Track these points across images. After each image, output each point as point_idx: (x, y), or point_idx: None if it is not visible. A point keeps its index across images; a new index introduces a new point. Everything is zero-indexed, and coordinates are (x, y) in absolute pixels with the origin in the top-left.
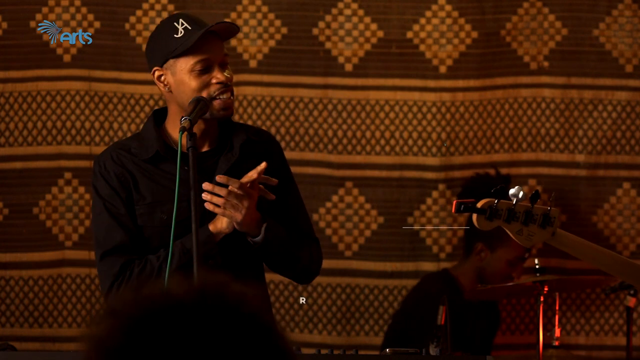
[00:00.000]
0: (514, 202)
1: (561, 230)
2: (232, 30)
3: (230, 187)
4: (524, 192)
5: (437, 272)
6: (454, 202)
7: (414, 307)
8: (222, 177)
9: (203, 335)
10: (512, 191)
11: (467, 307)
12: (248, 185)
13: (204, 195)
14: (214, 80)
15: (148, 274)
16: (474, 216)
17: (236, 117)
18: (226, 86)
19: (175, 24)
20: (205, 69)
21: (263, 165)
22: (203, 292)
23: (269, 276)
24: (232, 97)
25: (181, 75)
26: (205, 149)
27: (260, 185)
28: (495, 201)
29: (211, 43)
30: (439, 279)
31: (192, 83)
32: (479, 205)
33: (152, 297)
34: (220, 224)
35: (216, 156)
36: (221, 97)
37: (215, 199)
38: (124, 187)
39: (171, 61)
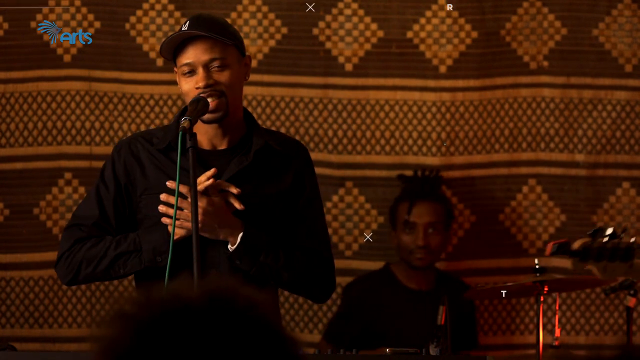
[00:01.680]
0: (605, 241)
1: (637, 261)
2: (218, 35)
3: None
4: (614, 230)
5: (379, 269)
6: (550, 245)
7: (351, 301)
8: (171, 182)
9: (212, 340)
10: (606, 230)
11: (406, 301)
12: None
13: (160, 208)
14: (195, 85)
15: (95, 253)
16: (568, 261)
17: None
18: (210, 90)
19: (183, 25)
20: (190, 72)
21: (211, 171)
22: (213, 296)
23: None
24: (218, 100)
25: (179, 79)
26: (222, 147)
27: (231, 199)
28: (590, 241)
29: (194, 45)
30: (378, 276)
31: (183, 86)
32: (574, 247)
33: (162, 300)
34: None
35: (232, 156)
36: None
37: (171, 211)
38: (129, 176)
39: (176, 62)
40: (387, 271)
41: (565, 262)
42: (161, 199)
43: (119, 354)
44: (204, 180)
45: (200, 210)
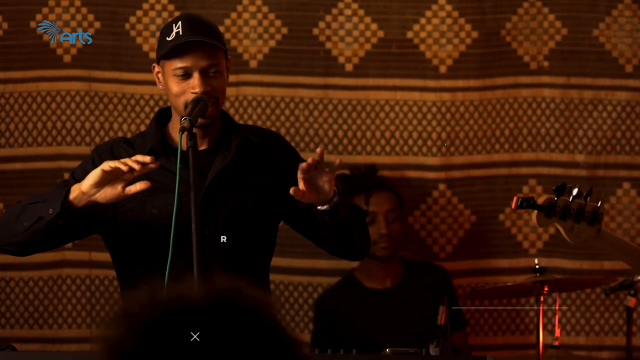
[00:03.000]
0: (570, 199)
1: (605, 229)
2: (217, 42)
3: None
4: (579, 189)
5: (344, 277)
6: (515, 198)
7: (321, 315)
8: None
9: (216, 340)
10: (570, 188)
11: (369, 303)
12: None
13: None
14: (190, 90)
15: (14, 208)
16: (534, 213)
17: (236, 118)
18: (207, 97)
19: (174, 25)
20: (185, 75)
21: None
22: (217, 296)
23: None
24: (213, 107)
25: (167, 78)
26: (203, 147)
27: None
28: (555, 198)
29: (194, 51)
30: (344, 284)
31: (173, 87)
32: (539, 201)
33: (167, 300)
34: (81, 185)
35: (213, 155)
36: None
37: (127, 175)
38: None
39: (162, 61)
40: (351, 278)
41: (564, 263)
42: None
43: (122, 354)
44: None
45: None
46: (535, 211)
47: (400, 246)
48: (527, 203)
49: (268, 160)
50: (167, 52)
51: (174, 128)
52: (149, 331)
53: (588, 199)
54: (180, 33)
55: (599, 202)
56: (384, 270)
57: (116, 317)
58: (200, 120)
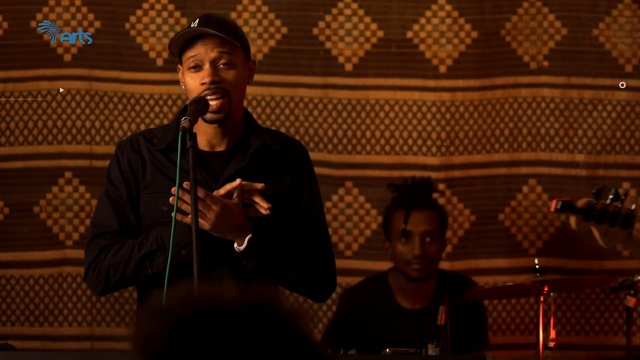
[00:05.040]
0: (608, 203)
1: (636, 233)
2: (228, 35)
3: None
4: (618, 193)
5: (379, 275)
6: (554, 201)
7: (345, 309)
8: (187, 183)
9: (248, 346)
10: (609, 191)
11: (394, 318)
12: (231, 195)
13: (171, 200)
14: (201, 81)
15: (121, 258)
16: (572, 217)
17: None
18: (215, 87)
19: (193, 22)
20: (197, 67)
21: (236, 182)
22: (254, 303)
23: None
24: (222, 99)
25: (185, 74)
26: (221, 148)
27: (256, 199)
28: (594, 201)
29: (204, 40)
30: (375, 285)
31: (189, 83)
32: (579, 204)
33: (204, 300)
34: None
35: (230, 158)
36: (208, 98)
37: (184, 206)
38: (134, 173)
39: (182, 57)
40: (384, 281)
41: (564, 263)
42: (184, 187)
43: (155, 349)
44: (227, 187)
45: (213, 213)
46: (574, 215)
47: (434, 267)
48: (568, 207)
49: (284, 169)
50: (182, 47)
51: (194, 127)
52: (185, 329)
53: (624, 199)
54: (194, 26)
55: (633, 206)
56: (415, 290)
57: (153, 313)
58: (211, 116)
